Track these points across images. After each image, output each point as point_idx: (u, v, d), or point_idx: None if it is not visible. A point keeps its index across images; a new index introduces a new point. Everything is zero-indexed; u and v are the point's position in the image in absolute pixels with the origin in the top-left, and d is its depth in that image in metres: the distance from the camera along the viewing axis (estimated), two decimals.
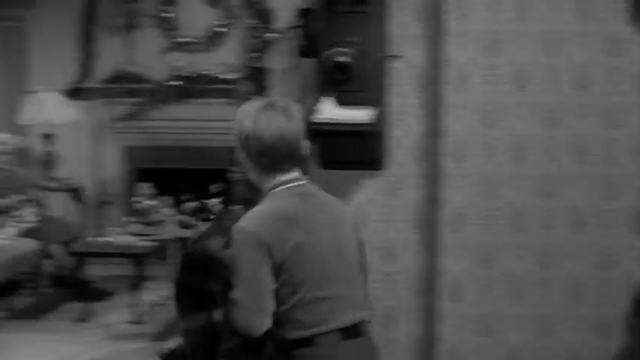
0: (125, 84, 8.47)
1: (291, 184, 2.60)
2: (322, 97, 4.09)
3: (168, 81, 8.35)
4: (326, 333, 2.52)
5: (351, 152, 4.15)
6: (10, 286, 6.93)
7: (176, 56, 8.47)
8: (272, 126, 2.55)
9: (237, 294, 2.47)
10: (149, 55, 8.55)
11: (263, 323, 2.48)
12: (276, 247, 2.46)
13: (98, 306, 6.88)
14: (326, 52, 4.03)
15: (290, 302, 2.50)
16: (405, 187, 4.45)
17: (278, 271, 2.48)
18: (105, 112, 8.63)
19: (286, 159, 2.59)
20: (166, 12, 8.43)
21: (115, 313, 6.75)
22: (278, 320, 2.52)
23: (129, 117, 8.59)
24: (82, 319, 6.55)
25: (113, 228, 7.66)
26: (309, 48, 4.29)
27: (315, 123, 4.03)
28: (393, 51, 4.36)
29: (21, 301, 7.11)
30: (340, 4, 4.15)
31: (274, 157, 2.57)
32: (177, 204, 7.55)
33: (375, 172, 4.42)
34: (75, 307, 6.87)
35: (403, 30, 4.41)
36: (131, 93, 8.48)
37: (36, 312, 6.82)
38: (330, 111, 4.03)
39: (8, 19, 8.82)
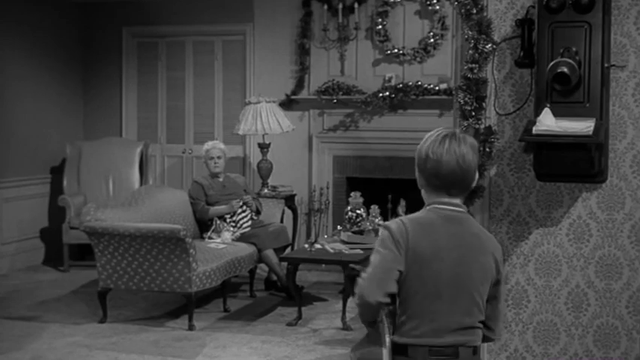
0: (337, 95, 8.64)
1: (445, 206, 2.85)
2: (541, 108, 4.01)
3: (379, 92, 8.45)
4: (416, 346, 2.79)
5: (571, 164, 4.03)
6: (227, 288, 7.21)
7: (387, 67, 8.58)
8: (451, 152, 2.79)
9: (367, 270, 2.84)
10: (361, 67, 8.71)
11: (376, 296, 2.77)
12: (403, 246, 2.77)
13: (309, 311, 7.05)
14: (548, 64, 3.95)
15: (402, 310, 2.82)
16: (628, 202, 4.28)
17: (402, 273, 2.79)
18: (318, 122, 8.85)
19: (455, 185, 2.83)
20: (378, 24, 8.55)
21: (325, 319, 6.89)
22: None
23: (341, 127, 8.76)
24: (293, 323, 6.72)
25: (324, 235, 7.84)
26: (526, 58, 4.22)
27: (534, 134, 3.96)
28: (616, 61, 4.22)
29: (237, 303, 7.41)
30: (560, 14, 4.05)
31: (445, 180, 2.82)
32: (387, 213, 7.62)
33: (595, 185, 4.28)
34: (287, 311, 7.09)
35: (626, 39, 4.25)
36: (343, 104, 8.65)
37: (251, 314, 7.08)
38: (549, 122, 3.95)
39: (229, 34, 9.25)
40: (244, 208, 7.60)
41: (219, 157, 7.76)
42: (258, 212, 7.75)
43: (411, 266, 2.77)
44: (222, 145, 7.92)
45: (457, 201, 2.86)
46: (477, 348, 2.88)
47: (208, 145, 7.87)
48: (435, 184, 2.84)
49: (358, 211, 7.46)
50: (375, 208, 7.47)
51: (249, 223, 7.59)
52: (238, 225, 7.52)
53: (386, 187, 8.28)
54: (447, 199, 2.85)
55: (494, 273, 2.86)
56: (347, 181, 8.91)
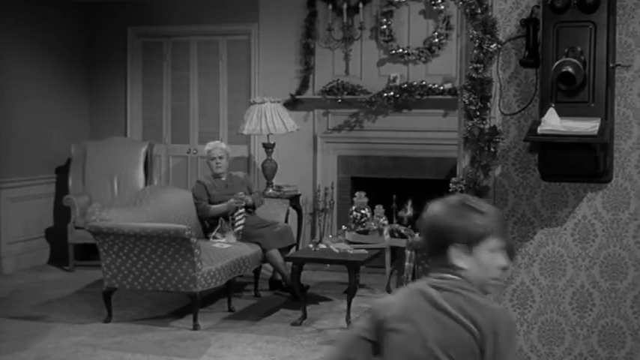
0: (342, 95, 8.65)
1: (436, 275, 2.56)
2: (546, 108, 4.01)
3: (384, 92, 8.44)
4: None
5: (576, 164, 4.03)
6: (231, 288, 7.20)
7: (392, 67, 8.58)
8: (430, 213, 2.56)
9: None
10: (366, 67, 8.71)
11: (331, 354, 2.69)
12: (377, 317, 2.58)
13: (314, 311, 7.05)
14: (553, 63, 3.95)
15: None
16: (633, 201, 4.27)
17: (378, 340, 2.58)
18: (322, 122, 8.85)
19: (426, 248, 2.62)
20: (383, 24, 8.55)
21: (330, 319, 6.89)
22: None
23: (345, 127, 8.76)
24: (298, 323, 6.72)
25: (329, 235, 7.84)
26: (531, 58, 4.22)
27: (539, 134, 3.96)
28: (621, 60, 4.22)
29: (242, 302, 7.41)
30: (565, 14, 4.05)
31: (426, 243, 2.60)
32: (391, 213, 7.62)
33: (600, 185, 4.28)
34: (291, 311, 7.09)
35: (631, 38, 4.25)
36: (348, 104, 8.65)
37: (255, 314, 7.08)
38: (553, 122, 3.95)
39: (234, 34, 9.26)
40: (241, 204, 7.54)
41: (220, 158, 7.75)
42: (253, 207, 7.70)
43: (385, 331, 2.57)
44: (224, 145, 7.90)
45: (442, 270, 2.56)
46: None
47: (210, 145, 7.86)
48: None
49: (363, 211, 7.46)
50: (379, 208, 7.47)
51: (243, 220, 7.53)
52: (242, 225, 7.49)
53: (390, 187, 8.28)
54: (438, 269, 2.58)
55: (472, 343, 2.47)
56: (351, 180, 8.91)
